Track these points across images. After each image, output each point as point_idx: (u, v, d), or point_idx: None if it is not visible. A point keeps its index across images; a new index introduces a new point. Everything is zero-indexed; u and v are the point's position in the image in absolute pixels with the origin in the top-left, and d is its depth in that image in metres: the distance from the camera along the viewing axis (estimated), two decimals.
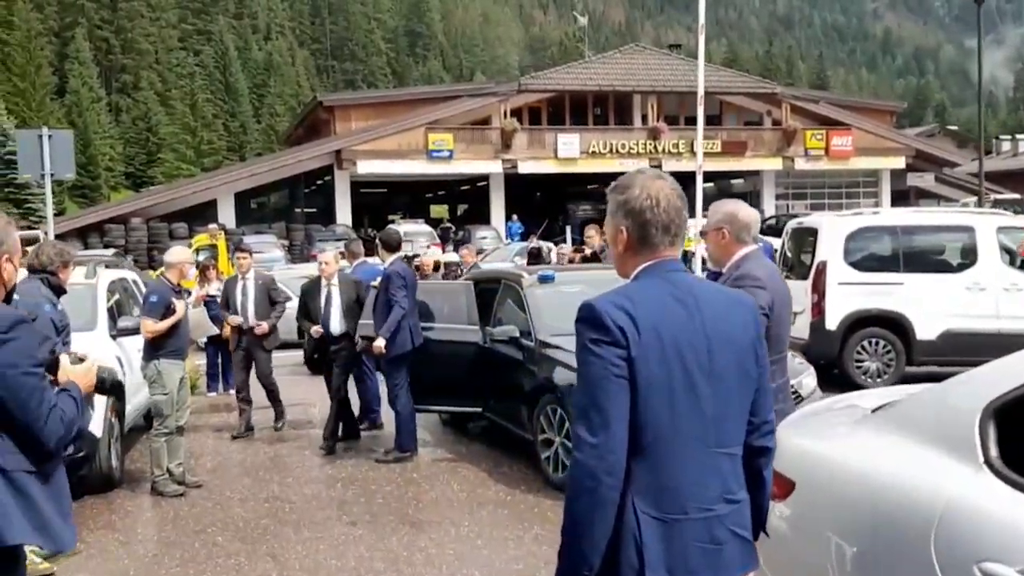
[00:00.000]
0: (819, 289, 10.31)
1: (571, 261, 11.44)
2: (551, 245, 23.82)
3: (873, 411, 2.79)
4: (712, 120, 42.88)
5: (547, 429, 6.74)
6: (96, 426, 6.66)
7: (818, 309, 10.28)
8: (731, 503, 2.08)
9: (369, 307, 8.22)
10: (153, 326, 6.89)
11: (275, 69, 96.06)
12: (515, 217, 36.89)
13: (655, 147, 38.69)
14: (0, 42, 66.99)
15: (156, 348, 6.93)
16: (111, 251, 26.26)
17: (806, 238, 11.09)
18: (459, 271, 12.61)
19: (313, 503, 6.57)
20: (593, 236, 11.74)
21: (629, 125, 39.92)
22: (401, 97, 40.81)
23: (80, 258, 9.37)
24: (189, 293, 9.17)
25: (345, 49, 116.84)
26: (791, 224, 12.08)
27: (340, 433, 8.20)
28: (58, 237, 32.56)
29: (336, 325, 8.29)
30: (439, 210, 54.13)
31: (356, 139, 35.64)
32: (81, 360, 2.77)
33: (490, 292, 8.46)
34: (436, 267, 14.01)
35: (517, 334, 7.28)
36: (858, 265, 10.36)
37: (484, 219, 38.08)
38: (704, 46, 15.70)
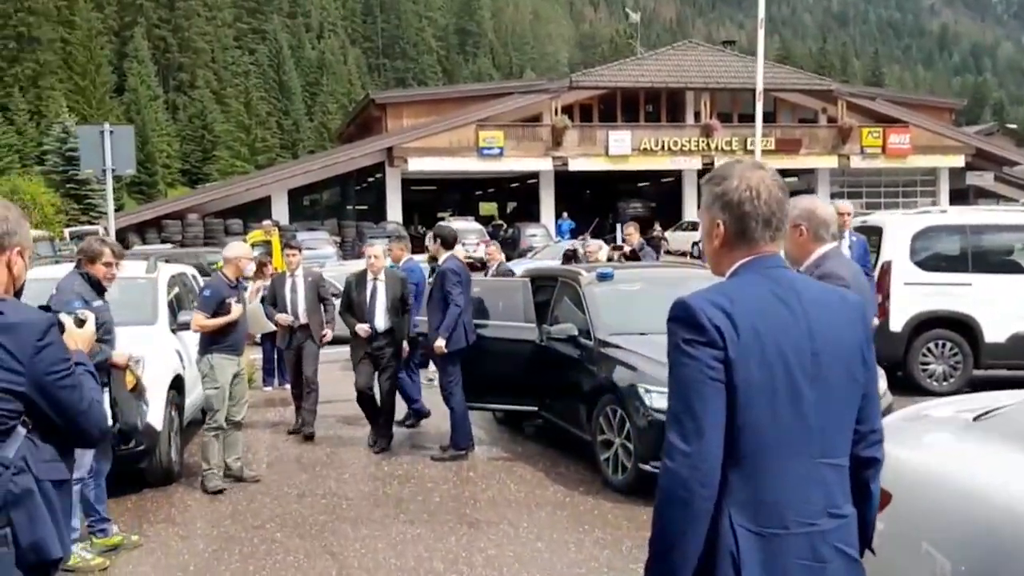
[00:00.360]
0: (884, 290, 10.03)
1: (609, 259, 11.27)
2: (601, 243, 23.66)
3: (975, 419, 2.63)
4: (766, 117, 42.13)
5: (606, 430, 6.62)
6: (156, 420, 6.70)
7: (883, 310, 9.98)
8: (836, 518, 1.95)
9: (422, 303, 8.26)
10: (203, 321, 6.87)
11: (327, 67, 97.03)
12: (565, 215, 36.76)
13: (708, 144, 38.27)
14: (62, 41, 68.66)
15: (210, 343, 6.91)
16: (168, 246, 26.73)
17: (870, 237, 10.79)
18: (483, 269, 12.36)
19: (370, 500, 6.54)
20: (632, 234, 11.56)
21: (681, 122, 39.54)
22: (452, 94, 40.92)
23: (162, 253, 9.42)
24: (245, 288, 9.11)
25: (396, 47, 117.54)
26: (853, 223, 11.76)
27: (383, 429, 8.08)
28: (117, 232, 33.23)
29: (381, 321, 8.07)
30: (488, 207, 54.16)
31: (407, 136, 35.80)
32: (83, 322, 2.71)
33: (546, 290, 8.36)
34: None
35: (575, 333, 7.17)
36: (924, 265, 10.06)
37: (533, 217, 38.00)
38: (763, 43, 15.46)
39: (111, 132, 11.37)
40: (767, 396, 1.89)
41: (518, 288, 8.29)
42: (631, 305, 7.50)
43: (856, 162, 40.84)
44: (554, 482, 6.83)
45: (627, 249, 11.24)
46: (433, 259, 8.90)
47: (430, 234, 8.14)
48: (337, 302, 9.53)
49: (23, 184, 40.87)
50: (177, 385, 7.35)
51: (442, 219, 37.44)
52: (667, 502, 1.88)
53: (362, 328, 8.04)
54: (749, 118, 42.12)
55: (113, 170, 11.48)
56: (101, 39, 74.69)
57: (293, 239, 11.30)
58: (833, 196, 42.64)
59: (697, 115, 39.38)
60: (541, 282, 8.79)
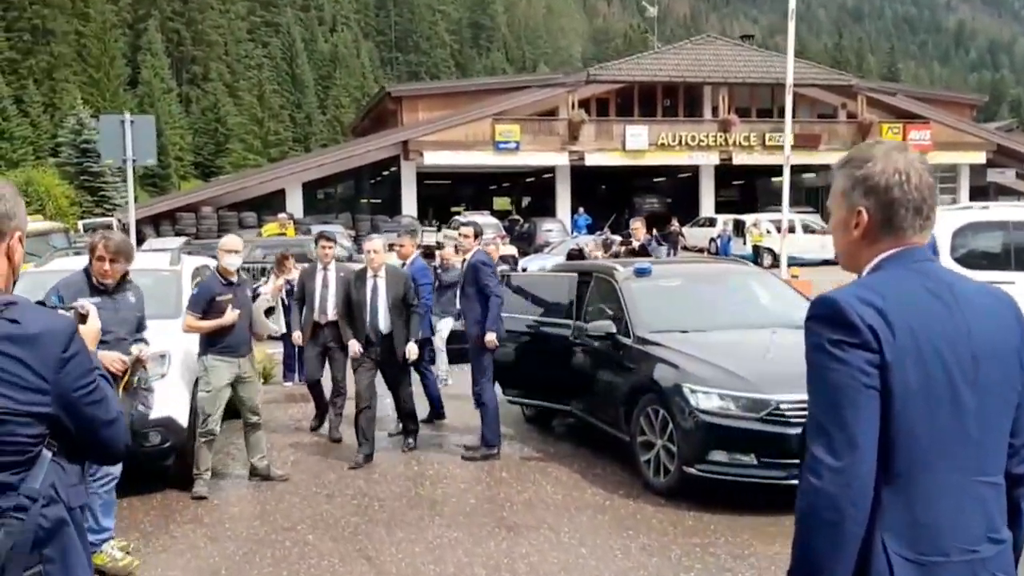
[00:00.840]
0: None
1: (615, 256, 11.05)
2: (596, 240, 23.38)
3: None
4: (784, 113, 41.91)
5: (647, 431, 6.38)
6: (181, 416, 6.51)
7: None
8: (996, 543, 1.72)
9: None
10: (193, 322, 6.50)
11: (340, 61, 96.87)
12: (581, 210, 36.46)
13: (726, 140, 37.91)
14: (76, 34, 68.69)
15: (207, 343, 6.51)
16: (182, 238, 26.57)
17: None
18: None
19: (403, 501, 6.32)
20: (638, 229, 11.30)
21: (699, 117, 39.19)
22: (468, 88, 40.65)
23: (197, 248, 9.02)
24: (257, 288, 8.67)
25: (409, 41, 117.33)
26: None
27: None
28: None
29: (383, 322, 7.35)
30: (501, 202, 53.88)
31: (423, 130, 35.57)
32: (84, 317, 2.34)
33: (580, 285, 8.12)
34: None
35: (613, 330, 6.92)
36: (965, 262, 9.74)
37: (549, 212, 37.71)
38: (794, 34, 15.17)
39: (132, 122, 11.18)
40: (925, 404, 1.66)
41: (550, 283, 8.06)
42: (670, 301, 7.27)
43: None
44: (592, 484, 6.60)
45: (635, 245, 10.96)
46: (403, 259, 8.48)
47: (461, 226, 7.71)
48: None
49: (37, 176, 40.84)
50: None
51: (456, 214, 37.22)
52: (812, 526, 1.65)
53: (353, 347, 7.40)
54: (767, 113, 41.98)
55: (134, 160, 11.28)
56: (115, 32, 74.65)
57: (325, 230, 10.34)
58: None
59: (715, 110, 39.00)
60: (577, 276, 8.56)
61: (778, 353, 6.40)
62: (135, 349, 4.83)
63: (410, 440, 7.73)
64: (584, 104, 37.27)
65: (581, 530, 5.61)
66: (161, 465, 6.53)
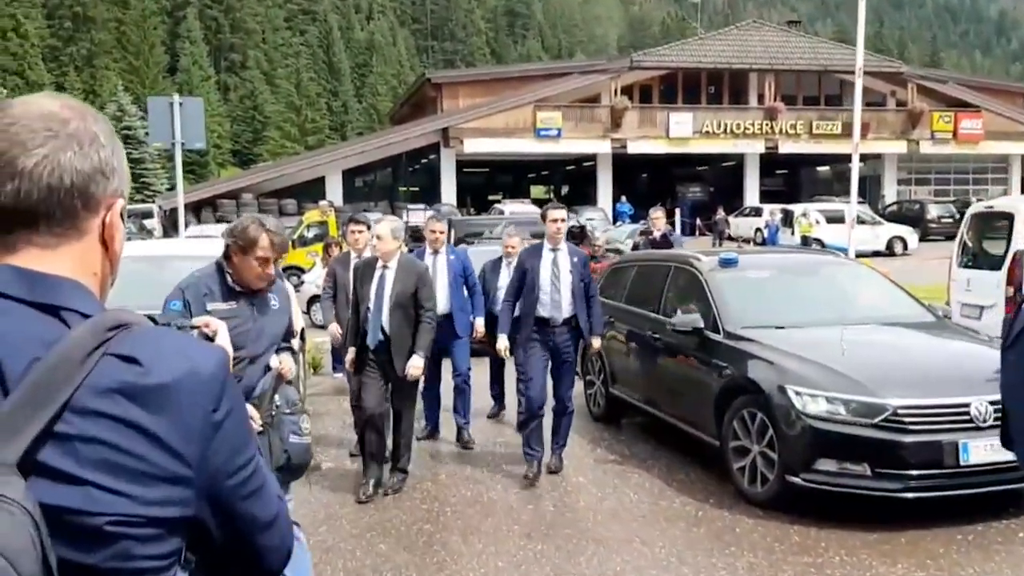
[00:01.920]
0: (1015, 281, 9.11)
1: (635, 247, 10.47)
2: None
3: None
4: (832, 100, 40.99)
5: (741, 436, 5.87)
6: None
7: (1014, 303, 9.10)
8: None
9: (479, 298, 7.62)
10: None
11: (377, 49, 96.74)
12: (624, 198, 35.86)
13: (771, 127, 37.10)
14: (116, 21, 69.07)
15: None
16: (223, 226, 26.38)
17: (994, 224, 9.90)
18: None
19: (475, 507, 5.88)
20: (659, 218, 10.69)
21: (744, 104, 38.36)
22: (509, 74, 40.13)
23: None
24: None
25: (445, 29, 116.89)
26: (974, 209, 10.84)
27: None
28: (171, 212, 33.01)
29: (385, 324, 6.01)
30: (538, 191, 53.34)
31: (464, 117, 35.13)
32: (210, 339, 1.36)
33: (655, 276, 7.64)
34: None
35: (701, 325, 6.41)
36: None
37: (588, 200, 37.16)
38: (864, 16, 14.54)
39: (180, 104, 10.83)
40: None
41: (628, 274, 7.58)
42: (761, 295, 6.75)
43: (926, 148, 39.34)
44: (678, 492, 6.11)
45: (656, 235, 10.32)
46: (436, 247, 7.30)
47: (559, 214, 6.50)
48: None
49: None
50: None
51: (496, 202, 36.78)
52: None
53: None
54: (814, 100, 41.03)
55: (183, 143, 10.93)
56: (154, 19, 75.03)
57: (358, 213, 9.02)
58: (900, 183, 41.24)
59: (761, 97, 38.20)
60: (647, 267, 8.08)
61: (892, 353, 5.88)
62: (275, 362, 4.00)
63: (394, 479, 6.20)
64: (627, 91, 36.64)
65: (677, 545, 5.13)
66: None
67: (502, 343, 6.69)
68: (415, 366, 5.95)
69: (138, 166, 41.54)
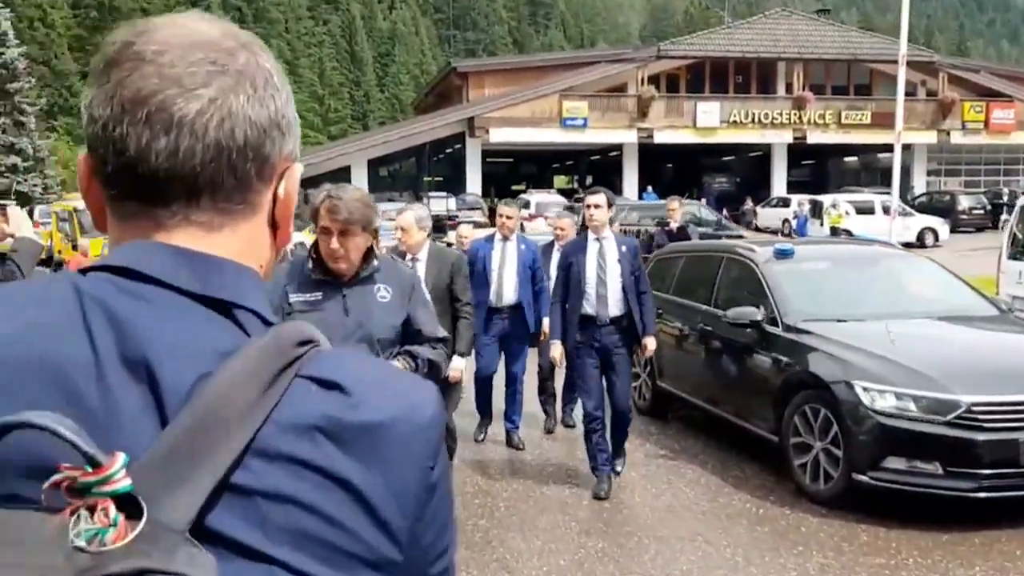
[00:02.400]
0: None
1: (650, 238, 10.22)
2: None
3: None
4: (861, 90, 40.45)
5: (803, 432, 5.72)
6: None
7: None
8: None
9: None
10: None
11: (399, 38, 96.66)
12: (650, 188, 35.59)
13: (799, 117, 36.66)
14: (142, 11, 69.21)
15: None
16: None
17: None
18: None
19: (530, 503, 5.76)
20: (675, 209, 10.39)
21: (772, 94, 37.94)
22: (535, 63, 39.88)
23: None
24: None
25: (467, 18, 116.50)
26: None
27: None
28: None
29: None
30: (561, 181, 53.09)
31: (489, 106, 34.93)
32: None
33: (707, 267, 7.48)
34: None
35: (759, 317, 6.25)
36: None
37: (613, 190, 36.62)
38: (908, 8, 14.27)
39: None
40: None
41: (678, 265, 7.43)
42: (820, 287, 6.57)
43: (957, 138, 38.78)
44: (735, 488, 5.97)
45: (673, 226, 10.04)
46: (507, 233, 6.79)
47: (595, 199, 5.78)
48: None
49: None
50: None
51: (520, 192, 36.60)
52: None
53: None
54: (843, 90, 40.52)
55: None
56: (179, 8, 75.06)
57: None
58: (930, 174, 40.69)
59: (789, 86, 37.75)
60: (696, 258, 7.92)
61: (961, 347, 5.71)
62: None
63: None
64: (654, 80, 36.32)
65: (742, 544, 4.99)
66: None
67: (556, 350, 5.91)
68: (456, 368, 5.40)
69: None
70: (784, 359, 6.00)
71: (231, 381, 0.67)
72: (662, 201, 31.67)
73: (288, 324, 0.75)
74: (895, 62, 38.90)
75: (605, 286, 5.72)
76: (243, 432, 0.66)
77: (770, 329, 6.21)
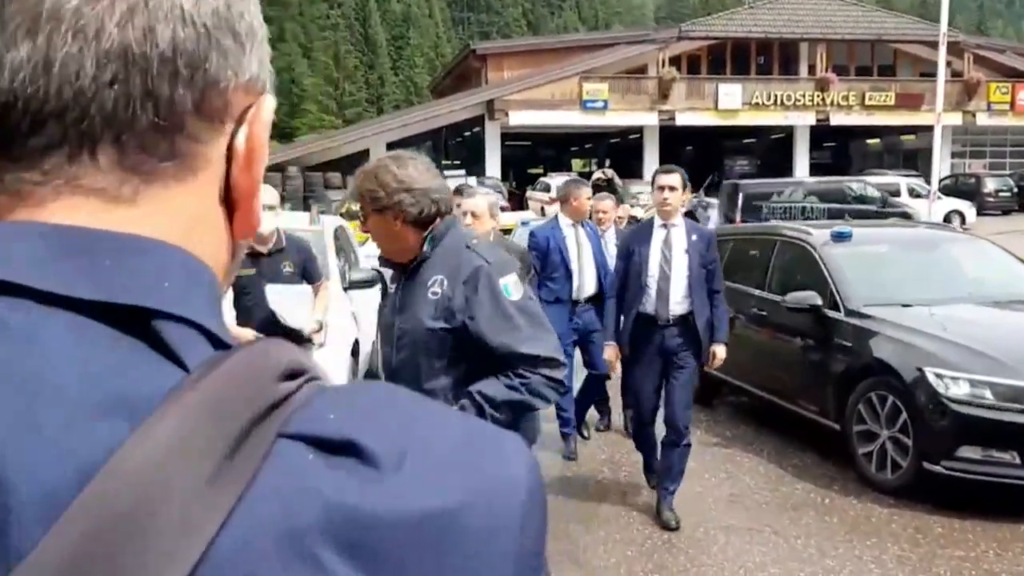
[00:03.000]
0: None
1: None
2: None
3: None
4: (884, 71, 39.95)
5: (868, 420, 5.57)
6: None
7: None
8: None
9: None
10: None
11: (413, 21, 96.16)
12: None
13: (823, 99, 36.19)
14: None
15: None
16: None
17: None
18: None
19: (587, 492, 5.64)
20: (676, 190, 10.00)
21: (795, 75, 37.49)
22: (555, 45, 39.54)
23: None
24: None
25: (481, 0, 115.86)
26: None
27: None
28: None
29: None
30: (579, 164, 52.76)
31: (508, 88, 34.66)
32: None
33: (759, 251, 7.31)
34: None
35: (819, 302, 6.09)
36: None
37: (633, 174, 36.55)
38: None
39: None
40: None
41: (729, 249, 7.26)
42: (881, 270, 6.40)
43: (982, 119, 38.25)
44: (796, 477, 5.83)
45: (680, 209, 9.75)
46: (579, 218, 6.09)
47: (668, 179, 5.04)
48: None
49: None
50: (354, 351, 6.58)
51: (539, 175, 36.36)
52: None
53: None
54: (866, 71, 40.01)
55: None
56: None
57: (464, 184, 7.95)
58: (954, 156, 40.20)
59: (812, 68, 37.29)
60: (746, 241, 7.75)
61: None
62: None
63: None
64: (674, 62, 35.91)
65: (814, 535, 4.86)
66: None
67: (610, 351, 5.23)
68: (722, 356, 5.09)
69: None
70: (847, 345, 5.84)
71: (154, 458, 0.38)
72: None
73: (261, 343, 0.45)
74: (920, 42, 38.56)
75: (668, 281, 4.96)
76: (180, 557, 0.37)
77: (831, 314, 6.05)
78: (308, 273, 5.20)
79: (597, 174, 14.75)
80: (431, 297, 2.52)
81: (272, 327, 4.66)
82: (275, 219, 4.94)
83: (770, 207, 18.21)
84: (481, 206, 4.83)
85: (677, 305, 4.97)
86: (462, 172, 31.06)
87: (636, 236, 5.28)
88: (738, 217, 18.84)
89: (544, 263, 5.94)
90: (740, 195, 18.80)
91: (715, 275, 5.04)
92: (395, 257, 2.64)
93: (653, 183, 5.16)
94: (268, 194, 4.91)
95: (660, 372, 5.03)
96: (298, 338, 4.83)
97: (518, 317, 2.42)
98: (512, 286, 2.44)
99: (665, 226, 5.07)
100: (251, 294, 4.83)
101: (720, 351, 5.04)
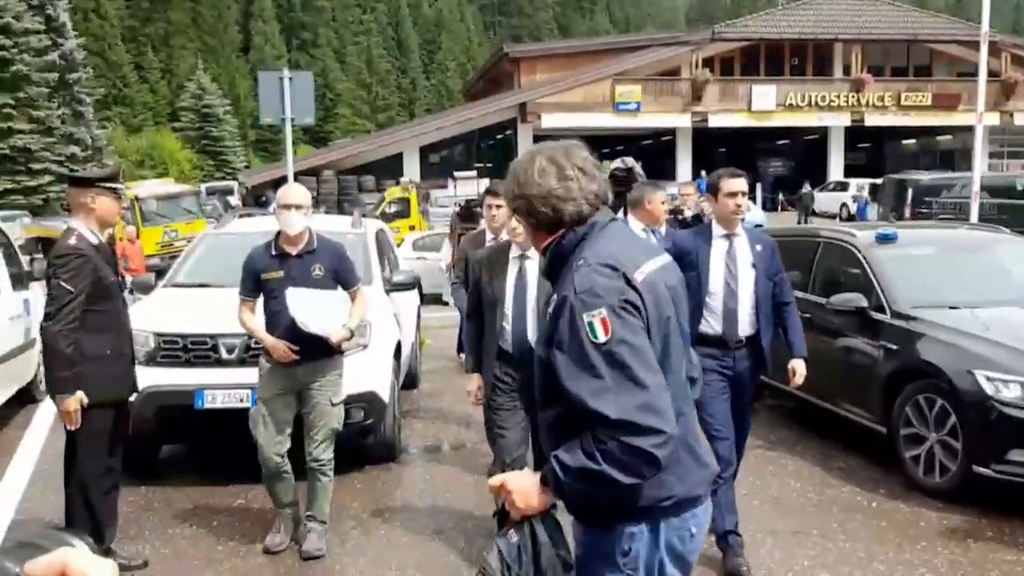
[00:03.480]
0: None
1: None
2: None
3: None
4: (920, 71, 39.54)
5: (916, 422, 5.52)
6: (384, 391, 5.98)
7: None
8: None
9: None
10: (242, 316, 4.74)
11: (444, 25, 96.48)
12: (704, 173, 35.11)
13: (858, 100, 35.94)
14: (191, 1, 70.02)
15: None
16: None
17: None
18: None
19: None
20: (690, 195, 9.75)
21: (829, 76, 37.20)
22: (587, 47, 39.58)
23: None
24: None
25: (512, 4, 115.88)
26: None
27: None
28: (254, 188, 33.41)
29: (532, 333, 4.14)
30: (608, 167, 52.61)
31: (541, 91, 34.74)
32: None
33: (801, 252, 7.26)
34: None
35: (864, 304, 6.05)
36: None
37: (666, 175, 36.46)
38: None
39: (290, 79, 10.70)
40: None
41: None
42: (928, 273, 6.34)
43: (1020, 119, 37.71)
44: (842, 480, 5.79)
45: (688, 213, 9.63)
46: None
47: (738, 184, 4.41)
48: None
49: (161, 140, 41.68)
50: (396, 353, 6.63)
51: None
52: None
53: (473, 382, 4.49)
54: (902, 71, 39.61)
55: (292, 119, 10.84)
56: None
57: (493, 186, 8.05)
58: (992, 156, 39.62)
59: (847, 68, 36.99)
60: (788, 243, 7.70)
61: None
62: None
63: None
64: (708, 63, 35.81)
65: (863, 539, 4.82)
66: (363, 443, 6.04)
67: None
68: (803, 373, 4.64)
69: (218, 144, 42.10)
70: (894, 347, 5.79)
71: None
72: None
73: None
74: (956, 42, 38.07)
75: (736, 298, 4.38)
76: None
77: (877, 316, 6.00)
78: (342, 278, 4.79)
79: (616, 163, 14.47)
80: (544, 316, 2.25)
81: (297, 333, 4.49)
82: (305, 219, 4.66)
83: (940, 203, 18.04)
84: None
85: (746, 325, 4.42)
86: (473, 175, 30.98)
87: (694, 238, 4.57)
88: (907, 213, 18.72)
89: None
90: (909, 191, 18.72)
91: (783, 287, 4.59)
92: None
93: (714, 188, 4.43)
94: (295, 193, 4.67)
95: (729, 401, 4.42)
96: (324, 345, 4.60)
97: (602, 366, 1.93)
98: (598, 324, 1.95)
99: (728, 236, 4.45)
100: (278, 298, 4.56)
101: (800, 367, 4.58)
